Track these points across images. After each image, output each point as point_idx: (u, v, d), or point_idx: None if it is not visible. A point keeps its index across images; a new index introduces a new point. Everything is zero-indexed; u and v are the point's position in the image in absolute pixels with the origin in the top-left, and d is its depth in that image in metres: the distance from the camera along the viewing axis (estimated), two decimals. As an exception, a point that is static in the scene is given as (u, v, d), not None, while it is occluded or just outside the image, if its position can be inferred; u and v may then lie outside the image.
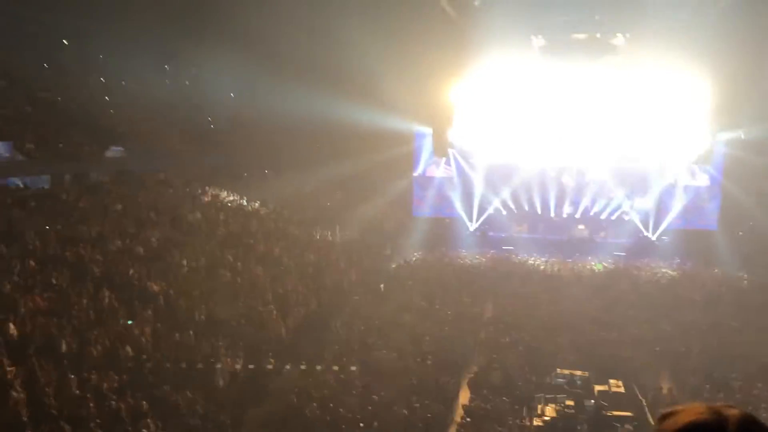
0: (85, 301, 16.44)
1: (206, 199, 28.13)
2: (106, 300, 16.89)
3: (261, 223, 27.74)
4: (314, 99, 32.50)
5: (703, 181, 33.94)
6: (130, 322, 16.18)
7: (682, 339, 20.50)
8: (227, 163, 33.64)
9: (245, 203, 29.60)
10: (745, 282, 27.30)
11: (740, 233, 32.04)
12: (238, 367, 16.59)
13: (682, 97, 31.36)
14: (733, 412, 1.16)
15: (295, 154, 33.84)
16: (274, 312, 19.87)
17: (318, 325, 21.19)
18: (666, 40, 28.32)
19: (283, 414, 15.20)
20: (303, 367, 17.52)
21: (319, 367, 17.40)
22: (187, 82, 37.72)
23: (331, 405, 15.24)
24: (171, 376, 15.21)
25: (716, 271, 29.31)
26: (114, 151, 27.84)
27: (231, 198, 29.43)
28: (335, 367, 17.61)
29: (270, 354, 17.78)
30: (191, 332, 16.84)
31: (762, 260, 27.65)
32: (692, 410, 1.19)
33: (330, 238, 29.36)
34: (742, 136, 31.76)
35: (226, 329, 17.91)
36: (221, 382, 15.77)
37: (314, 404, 15.26)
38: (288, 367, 17.49)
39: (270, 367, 17.26)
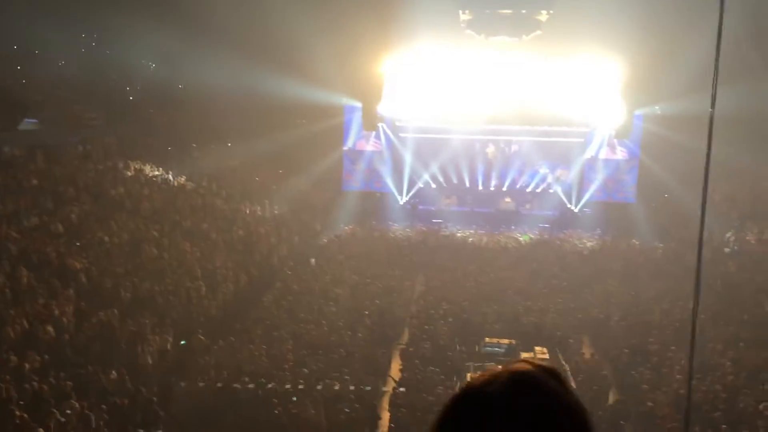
0: (1, 280, 15.68)
1: (129, 173, 27.17)
2: (24, 279, 16.15)
3: (187, 198, 27.04)
4: (241, 71, 31.72)
5: (622, 155, 35.27)
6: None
7: (602, 307, 21.37)
8: (150, 136, 32.49)
9: (171, 178, 28.76)
10: (660, 252, 28.65)
11: (654, 203, 33.53)
12: (166, 345, 16.24)
13: (602, 73, 32.32)
14: (515, 367, 1.23)
15: (222, 127, 33.08)
16: (203, 288, 19.51)
17: (248, 300, 20.96)
18: (586, 18, 29.09)
19: (214, 390, 15.01)
20: (233, 342, 17.30)
21: (251, 346, 17.20)
22: (108, 51, 36.05)
23: (263, 380, 15.16)
24: (96, 355, 14.73)
25: (634, 241, 30.63)
26: (28, 124, 26.41)
27: (155, 172, 28.51)
28: (265, 344, 17.47)
29: (199, 331, 17.48)
30: (116, 310, 16.32)
31: (676, 231, 29.05)
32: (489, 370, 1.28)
33: (259, 213, 28.94)
34: (659, 112, 33.14)
35: (152, 306, 17.47)
36: (149, 360, 15.40)
37: (246, 379, 15.13)
38: (219, 343, 17.24)
39: (200, 344, 16.96)
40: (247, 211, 28.33)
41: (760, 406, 13.52)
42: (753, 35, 24.72)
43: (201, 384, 15.28)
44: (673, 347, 16.91)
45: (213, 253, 22.55)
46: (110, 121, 30.73)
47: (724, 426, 12.82)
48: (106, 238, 20.29)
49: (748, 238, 26.15)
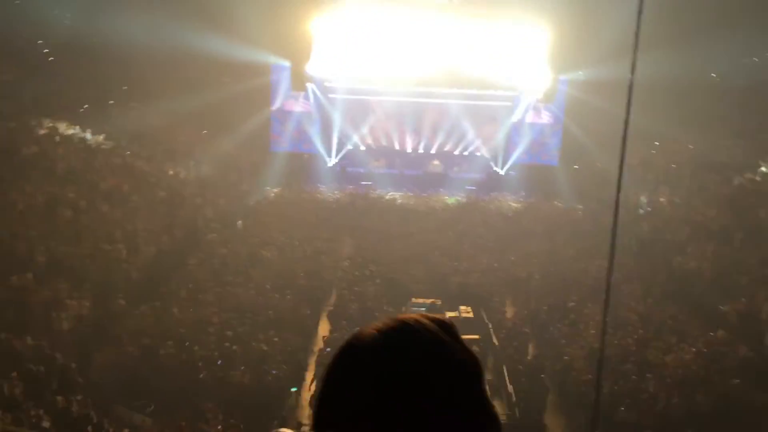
0: None
1: (42, 131, 25.77)
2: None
3: (106, 158, 25.95)
4: (162, 25, 30.27)
5: (546, 119, 36.06)
6: None
7: (524, 267, 22.04)
8: (66, 93, 30.80)
9: (88, 136, 27.45)
10: (580, 213, 29.70)
11: (576, 167, 34.60)
12: (83, 310, 15.72)
13: (528, 38, 32.75)
14: (402, 317, 1.27)
15: (143, 84, 31.64)
16: (124, 251, 18.93)
17: (171, 263, 20.50)
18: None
19: (136, 356, 14.70)
20: (156, 306, 16.93)
21: (175, 309, 16.87)
22: (17, 1, 33.71)
23: (187, 344, 14.95)
24: (10, 322, 14.12)
25: (556, 203, 31.60)
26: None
27: (71, 131, 27.14)
28: (190, 307, 17.19)
29: (120, 295, 17.00)
30: (30, 275, 15.65)
31: (595, 193, 30.08)
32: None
33: (183, 175, 28.12)
34: (582, 77, 33.96)
35: (69, 271, 16.83)
36: (65, 326, 14.89)
37: (169, 343, 14.87)
38: (141, 308, 16.83)
39: (120, 308, 16.52)
40: (170, 172, 27.46)
41: (666, 358, 14.36)
42: (674, 6, 25.50)
43: (122, 349, 14.93)
44: (589, 304, 17.67)
45: (134, 215, 21.82)
46: (22, 76, 28.91)
47: (633, 377, 13.56)
48: (19, 200, 19.32)
49: (661, 200, 27.39)
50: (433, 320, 1.27)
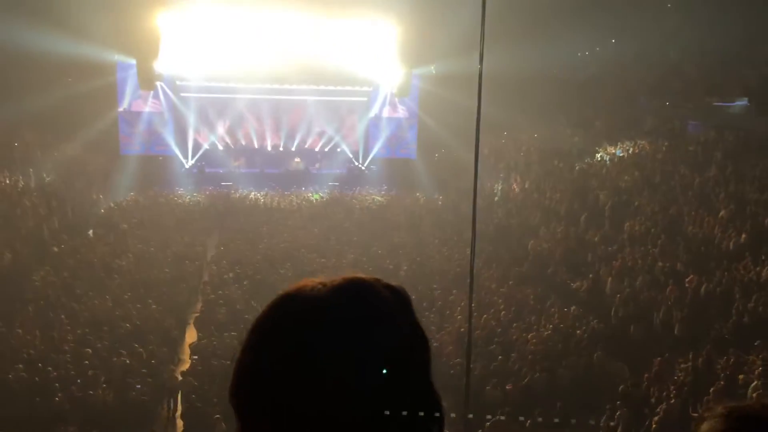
0: None
1: None
2: None
3: (-71, 169, 23.32)
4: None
5: (402, 113, 36.98)
6: None
7: (391, 258, 22.47)
8: None
9: None
10: (440, 203, 30.80)
11: (436, 155, 35.84)
12: None
13: (380, 34, 33.34)
14: (352, 275, 1.11)
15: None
16: (-43, 271, 17.10)
17: (16, 281, 18.80)
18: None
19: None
20: (1, 328, 15.45)
21: (20, 330, 15.47)
22: None
23: (39, 365, 13.76)
24: None
25: (417, 194, 32.53)
26: None
27: None
28: (39, 326, 15.85)
29: (-45, 319, 15.34)
30: None
31: (453, 183, 31.34)
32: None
33: (23, 183, 25.81)
34: (434, 72, 35.16)
35: None
36: None
37: (19, 367, 13.61)
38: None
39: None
40: (7, 181, 25.11)
41: (528, 336, 15.24)
42: (515, 4, 27.05)
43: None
44: (454, 290, 18.35)
45: (-33, 230, 19.79)
46: None
47: (500, 357, 14.25)
48: None
49: (513, 186, 29.02)
50: (388, 287, 1.11)
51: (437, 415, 1.07)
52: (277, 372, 0.99)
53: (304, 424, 0.97)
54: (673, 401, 11.77)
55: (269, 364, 1.01)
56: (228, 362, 14.59)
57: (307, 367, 0.98)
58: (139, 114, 33.98)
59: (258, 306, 16.40)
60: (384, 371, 0.99)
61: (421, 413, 1.03)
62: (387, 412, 0.99)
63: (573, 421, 11.97)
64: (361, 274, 1.10)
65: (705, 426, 1.26)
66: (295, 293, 1.06)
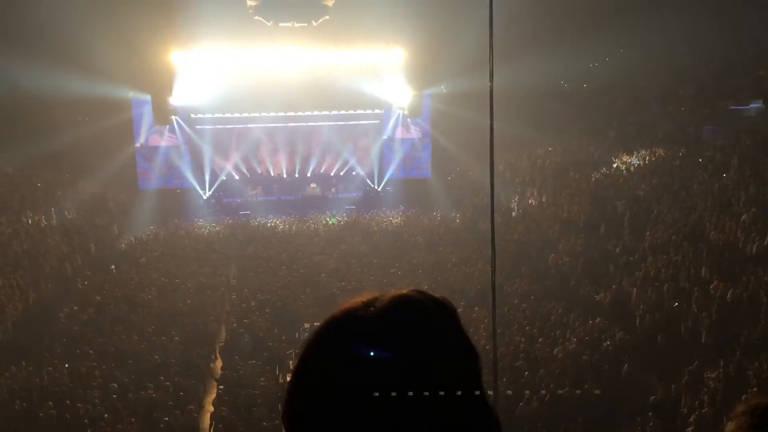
0: None
1: None
2: None
3: (-47, 213, 23.76)
4: (7, 65, 28.22)
5: (415, 133, 37.12)
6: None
7: (411, 278, 22.42)
8: None
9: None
10: (458, 221, 30.76)
11: (451, 175, 35.88)
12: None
13: (390, 56, 33.64)
14: (392, 292, 1.09)
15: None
16: (-16, 312, 17.33)
17: (41, 319, 19.02)
18: (371, 4, 30.15)
19: (10, 422, 13.44)
20: (28, 366, 15.59)
21: (50, 367, 15.61)
22: None
23: (68, 402, 13.87)
24: None
25: (434, 214, 32.53)
26: None
27: None
28: (67, 362, 15.99)
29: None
30: None
31: (470, 201, 31.31)
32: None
33: (44, 223, 26.20)
34: (444, 91, 35.35)
35: None
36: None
37: (49, 404, 13.72)
38: (11, 369, 15.43)
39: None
40: (30, 221, 25.50)
41: (554, 350, 15.09)
42: (520, 20, 27.19)
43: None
44: (476, 308, 18.26)
45: (-7, 272, 20.06)
46: None
47: (527, 372, 14.12)
48: None
49: (530, 201, 28.92)
50: (434, 301, 1.09)
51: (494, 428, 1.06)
52: (328, 393, 1.00)
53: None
54: (705, 410, 11.57)
55: (322, 386, 1.01)
56: (255, 391, 14.62)
57: (359, 389, 0.98)
58: (156, 149, 34.45)
59: (281, 333, 16.49)
60: (437, 386, 0.99)
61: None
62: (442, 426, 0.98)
63: (604, 435, 11.82)
64: (405, 291, 1.09)
65: (730, 425, 1.26)
66: (344, 317, 1.07)
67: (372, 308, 1.05)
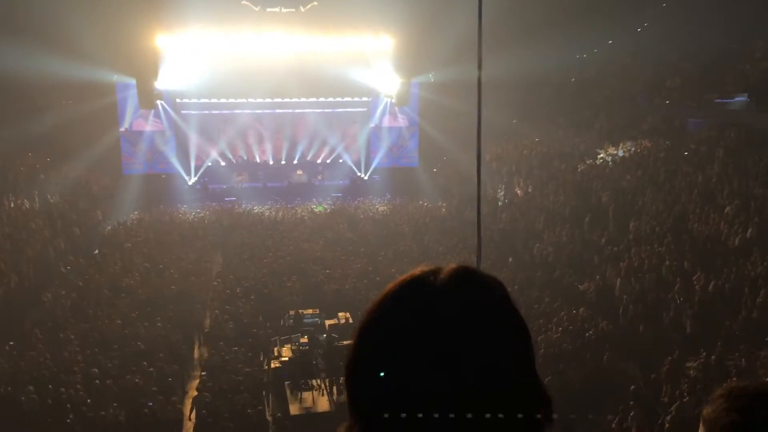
0: None
1: None
2: None
3: (-66, 196, 23.43)
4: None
5: (403, 122, 37.07)
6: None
7: (397, 267, 22.42)
8: None
9: None
10: (444, 210, 30.80)
11: (438, 164, 35.89)
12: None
13: (378, 44, 33.52)
14: (451, 264, 1.10)
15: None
16: (-35, 296, 17.15)
17: (24, 303, 18.86)
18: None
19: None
20: (10, 350, 15.47)
21: (33, 352, 15.49)
22: None
23: (50, 386, 13.78)
24: None
25: (421, 202, 32.55)
26: None
27: None
28: (49, 347, 15.87)
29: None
30: None
31: (455, 190, 31.38)
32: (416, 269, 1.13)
33: (27, 206, 25.91)
34: (432, 80, 35.29)
35: None
36: None
37: (30, 389, 13.62)
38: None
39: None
40: (12, 205, 25.20)
41: (537, 339, 15.20)
42: (509, 10, 27.12)
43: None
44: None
45: (-27, 255, 19.85)
46: None
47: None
48: None
49: (516, 191, 29.01)
50: (491, 277, 1.11)
51: (547, 409, 1.06)
52: (392, 355, 1.01)
53: (416, 406, 0.98)
54: (686, 399, 11.72)
55: (386, 348, 1.02)
56: (239, 377, 14.61)
57: (422, 352, 0.99)
58: (140, 133, 34.13)
59: (266, 320, 16.49)
60: (493, 358, 1.00)
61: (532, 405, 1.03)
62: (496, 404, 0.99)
63: (586, 423, 11.93)
64: (459, 264, 1.11)
65: (707, 409, 1.28)
66: (412, 282, 1.08)
67: (436, 278, 1.07)
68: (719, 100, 25.61)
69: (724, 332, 14.02)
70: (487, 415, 0.98)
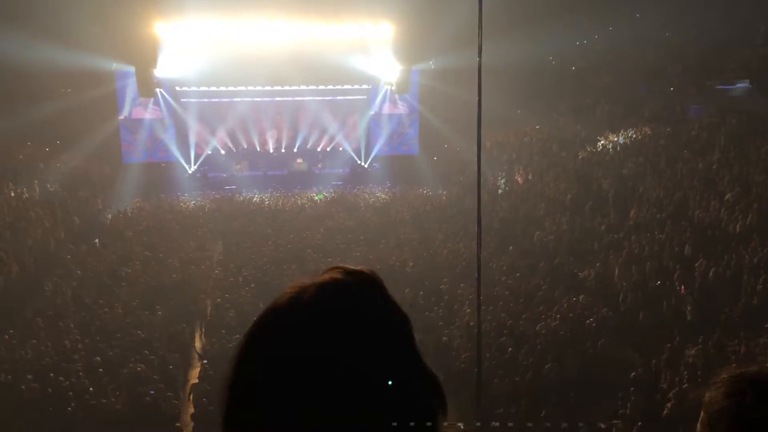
0: None
1: None
2: None
3: (-67, 185, 23.42)
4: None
5: (403, 109, 36.96)
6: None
7: (398, 255, 22.45)
8: None
9: None
10: (444, 198, 30.76)
11: (438, 152, 35.83)
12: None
13: (378, 32, 33.36)
14: (322, 278, 1.13)
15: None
16: (-34, 285, 17.16)
17: (25, 292, 18.88)
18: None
19: (-8, 395, 13.37)
20: (10, 339, 15.50)
21: (34, 341, 15.52)
22: None
23: (51, 375, 13.82)
24: None
25: (421, 190, 32.51)
26: None
27: None
28: (50, 336, 15.90)
29: (-34, 333, 15.40)
30: None
31: (455, 178, 31.32)
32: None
33: (27, 195, 25.91)
34: (432, 67, 35.15)
35: None
36: None
37: (29, 377, 13.66)
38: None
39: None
40: (12, 194, 25.21)
41: (538, 327, 15.21)
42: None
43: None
44: (462, 284, 18.33)
45: (-27, 244, 19.86)
46: None
47: (510, 349, 14.23)
48: None
49: (516, 178, 28.95)
50: (357, 276, 1.13)
51: (435, 391, 1.07)
52: (262, 397, 1.00)
53: (303, 425, 0.97)
54: (685, 386, 11.75)
55: (253, 390, 1.02)
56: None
57: (290, 389, 0.98)
58: (140, 121, 34.05)
59: (261, 307, 16.51)
60: (370, 358, 1.01)
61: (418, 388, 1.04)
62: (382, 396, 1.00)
63: (586, 409, 11.97)
64: (330, 274, 1.13)
65: (709, 395, 1.29)
66: (275, 312, 1.09)
67: (300, 301, 1.07)
68: (720, 87, 25.52)
69: (724, 319, 14.03)
70: (381, 410, 0.99)
